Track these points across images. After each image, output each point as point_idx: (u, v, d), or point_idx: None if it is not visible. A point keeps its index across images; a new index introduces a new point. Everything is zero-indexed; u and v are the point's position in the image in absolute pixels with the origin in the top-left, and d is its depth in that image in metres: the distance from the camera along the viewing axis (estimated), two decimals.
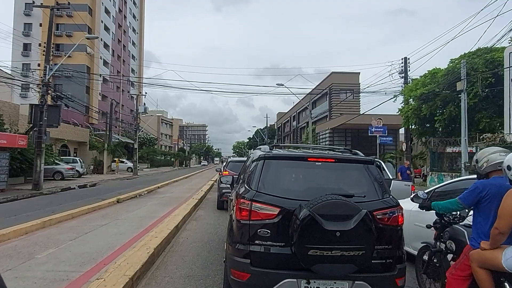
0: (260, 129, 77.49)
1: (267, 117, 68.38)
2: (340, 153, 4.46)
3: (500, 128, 16.61)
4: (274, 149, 4.51)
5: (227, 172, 12.03)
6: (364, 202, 3.48)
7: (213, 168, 44.21)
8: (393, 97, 20.46)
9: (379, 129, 19.70)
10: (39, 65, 37.96)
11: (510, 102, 14.23)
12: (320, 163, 3.85)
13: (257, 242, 3.44)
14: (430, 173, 18.77)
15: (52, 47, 36.40)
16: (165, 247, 6.35)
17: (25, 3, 44.36)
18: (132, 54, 66.81)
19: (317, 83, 42.91)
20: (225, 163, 15.93)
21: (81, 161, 28.83)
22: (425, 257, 4.26)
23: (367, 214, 3.20)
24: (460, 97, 15.61)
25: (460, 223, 3.80)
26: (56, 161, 24.40)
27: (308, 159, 3.89)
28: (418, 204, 4.32)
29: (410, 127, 20.20)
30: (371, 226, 3.18)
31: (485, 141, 15.78)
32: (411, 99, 19.17)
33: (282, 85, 26.78)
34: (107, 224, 8.45)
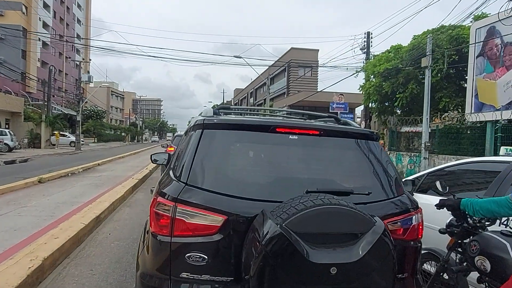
0: (216, 105, 75.13)
1: (223, 92, 66.22)
2: (323, 122, 2.94)
3: (459, 108, 16.33)
4: (220, 113, 2.86)
5: (173, 149, 10.42)
6: (370, 204, 2.13)
7: (156, 148, 41.76)
8: (355, 73, 19.62)
9: (340, 106, 18.89)
10: None
11: (473, 80, 13.75)
12: (296, 137, 2.35)
13: (183, 275, 2.01)
14: (388, 152, 18.39)
15: None
16: (70, 251, 4.71)
17: None
18: (77, 18, 60.62)
19: (275, 60, 41.53)
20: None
21: (12, 133, 25.41)
22: (427, 267, 3.04)
23: (386, 232, 1.84)
24: (424, 74, 15.00)
25: (489, 229, 2.50)
26: None
27: (277, 130, 2.34)
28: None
29: (370, 105, 19.56)
30: (390, 251, 1.84)
31: (445, 120, 15.39)
32: (372, 76, 18.41)
33: (240, 56, 25.03)
34: (6, 215, 6.55)
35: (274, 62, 36.96)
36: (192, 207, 2.00)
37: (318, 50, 39.19)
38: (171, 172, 2.36)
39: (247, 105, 60.65)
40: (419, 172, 15.31)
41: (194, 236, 2.00)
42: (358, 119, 34.14)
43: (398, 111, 19.62)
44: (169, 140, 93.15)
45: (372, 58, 19.46)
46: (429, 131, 14.71)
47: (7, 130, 25.53)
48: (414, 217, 2.26)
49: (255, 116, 3.33)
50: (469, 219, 2.48)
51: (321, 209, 1.80)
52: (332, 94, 21.42)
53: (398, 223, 2.20)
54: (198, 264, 1.98)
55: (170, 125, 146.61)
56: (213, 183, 2.11)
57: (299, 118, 3.43)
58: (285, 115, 3.78)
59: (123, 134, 67.68)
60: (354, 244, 1.80)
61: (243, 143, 2.38)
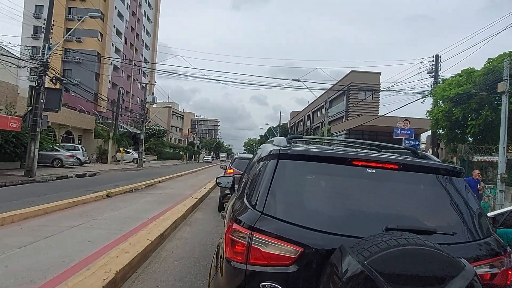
0: (272, 127, 75.76)
1: (280, 114, 66.79)
2: (399, 155, 2.76)
3: None
4: (294, 142, 2.89)
5: (232, 171, 10.47)
6: (454, 246, 1.97)
7: (217, 166, 42.42)
8: (422, 98, 18.55)
9: (405, 132, 17.85)
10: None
11: None
12: (373, 170, 2.26)
13: None
14: None
15: (63, 31, 35.43)
16: (138, 266, 4.77)
17: None
18: (145, 43, 65.73)
19: (334, 83, 41.10)
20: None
21: (84, 148, 27.62)
22: None
23: (477, 277, 1.70)
24: (500, 100, 13.77)
25: None
26: (55, 148, 23.17)
27: (353, 162, 2.27)
28: None
29: (438, 131, 18.29)
30: None
31: None
32: (441, 101, 17.27)
33: (299, 80, 25.05)
34: (80, 226, 6.93)
35: (332, 85, 36.54)
36: (269, 237, 2.01)
37: (380, 73, 38.14)
38: (245, 199, 2.39)
39: (303, 128, 60.40)
40: (493, 205, 13.79)
41: (269, 265, 2.00)
42: (423, 145, 32.21)
43: (470, 139, 18.13)
44: (222, 160, 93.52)
45: (441, 82, 18.32)
46: (506, 161, 13.35)
47: (79, 146, 27.79)
48: (503, 261, 2.05)
49: (329, 147, 3.21)
50: None
51: (406, 249, 1.73)
52: (395, 119, 20.42)
53: (486, 267, 2.03)
54: None
55: (226, 145, 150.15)
56: (289, 214, 2.11)
57: (369, 148, 3.25)
58: (357, 146, 3.61)
59: (181, 152, 70.59)
60: None
61: (318, 174, 2.36)
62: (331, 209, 2.23)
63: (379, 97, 35.70)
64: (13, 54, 23.18)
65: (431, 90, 18.96)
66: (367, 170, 2.27)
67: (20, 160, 19.34)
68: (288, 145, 2.62)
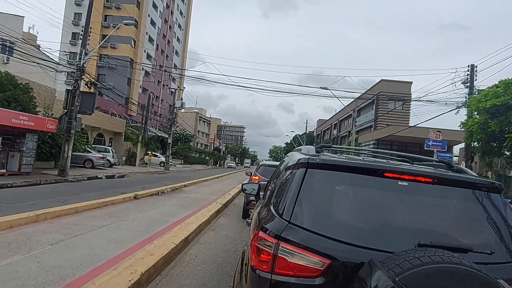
0: (298, 135, 75.35)
1: (306, 122, 66.10)
2: (433, 168, 2.65)
3: None
4: (322, 151, 2.84)
5: (257, 177, 10.45)
6: (492, 266, 1.87)
7: (242, 172, 42.27)
8: (455, 109, 17.86)
9: (438, 144, 17.19)
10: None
11: None
12: (405, 183, 2.18)
13: None
14: None
15: (99, 37, 36.93)
16: (162, 268, 4.82)
17: None
18: (176, 50, 67.39)
19: (363, 92, 40.41)
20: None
21: (113, 151, 28.50)
22: None
23: None
24: None
25: None
26: (87, 149, 24.04)
27: (385, 174, 2.20)
28: None
29: (472, 144, 17.53)
30: None
31: None
32: (476, 112, 16.57)
33: (326, 88, 24.83)
34: (108, 226, 7.11)
35: (361, 94, 35.94)
36: (295, 247, 1.97)
37: (411, 83, 37.11)
38: (272, 208, 2.36)
39: (330, 137, 59.70)
40: None
41: (295, 276, 1.95)
42: (456, 158, 30.93)
43: (507, 153, 17.24)
44: (246, 166, 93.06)
45: (477, 93, 17.58)
46: None
47: (110, 148, 28.70)
48: None
49: (359, 158, 3.12)
50: None
51: (440, 268, 1.64)
52: (427, 130, 19.74)
53: None
54: None
55: (251, 152, 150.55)
56: (317, 224, 2.07)
57: (401, 160, 3.15)
58: (388, 157, 3.50)
59: (206, 158, 71.48)
60: None
61: (348, 185, 2.30)
62: (360, 221, 2.16)
63: (410, 107, 34.72)
64: (52, 59, 24.36)
65: (466, 101, 18.25)
66: (399, 182, 2.19)
67: (54, 160, 20.19)
68: (317, 154, 2.57)
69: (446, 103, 18.83)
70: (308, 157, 2.36)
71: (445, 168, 2.77)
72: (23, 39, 23.21)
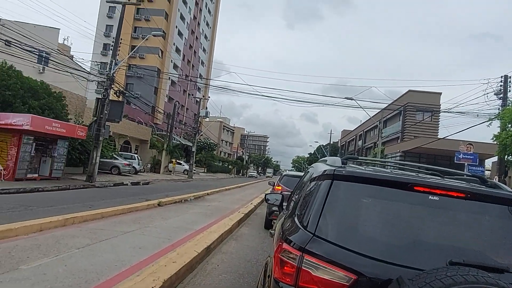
0: (322, 145, 74.62)
1: (330, 133, 65.41)
2: (465, 183, 2.54)
3: None
4: (348, 163, 2.77)
5: (280, 188, 10.37)
6: None
7: (264, 182, 41.90)
8: (488, 121, 17.15)
9: (469, 157, 16.52)
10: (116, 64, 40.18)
11: None
12: (436, 198, 2.09)
13: None
14: None
15: (129, 48, 38.23)
16: (184, 276, 4.82)
17: (109, 7, 47.67)
18: (201, 60, 68.73)
19: (388, 103, 39.68)
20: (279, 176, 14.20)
21: (139, 158, 29.17)
22: None
23: None
24: None
25: None
26: (114, 156, 24.72)
27: (415, 188, 2.11)
28: None
29: (506, 157, 16.75)
30: None
31: None
32: (510, 125, 15.85)
33: (352, 98, 24.52)
34: (133, 232, 7.22)
35: (388, 104, 35.27)
36: (320, 260, 1.91)
37: (440, 94, 36.09)
38: (296, 219, 2.32)
39: (354, 148, 58.79)
40: None
41: None
42: (488, 172, 29.60)
43: None
44: (268, 176, 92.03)
45: (510, 104, 16.87)
46: None
47: (136, 155, 29.41)
48: None
49: (387, 170, 3.02)
50: None
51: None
52: (457, 143, 19.04)
53: None
54: None
55: (274, 161, 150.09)
56: (342, 238, 2.01)
57: (431, 173, 3.01)
58: (417, 170, 3.38)
59: (229, 166, 71.89)
60: None
61: (375, 198, 2.21)
62: (388, 236, 2.08)
63: (439, 119, 33.75)
64: (84, 69, 25.41)
65: (499, 112, 17.52)
66: (430, 197, 2.11)
67: (83, 166, 20.89)
68: (343, 165, 2.51)
69: (477, 115, 18.15)
70: (334, 168, 2.31)
71: (478, 182, 2.64)
72: (57, 50, 24.36)
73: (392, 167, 4.09)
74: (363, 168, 2.76)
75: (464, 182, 2.56)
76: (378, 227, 2.13)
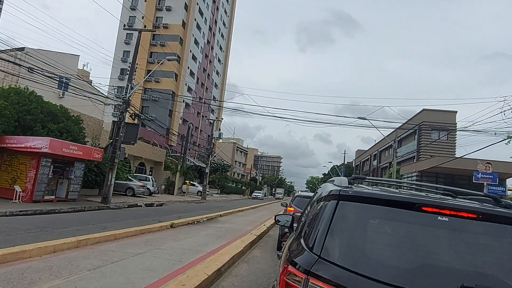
0: (336, 165, 73.88)
1: (344, 153, 64.87)
2: (478, 203, 2.45)
3: None
4: (355, 183, 2.74)
5: (293, 209, 10.27)
6: None
7: (274, 204, 40.96)
8: (506, 139, 16.75)
9: (488, 176, 16.08)
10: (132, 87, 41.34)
11: None
12: (446, 218, 2.02)
13: None
14: None
15: (145, 72, 39.32)
16: None
17: (126, 33, 49.50)
18: (215, 83, 70.02)
19: (403, 122, 39.28)
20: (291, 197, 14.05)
21: (153, 179, 29.42)
22: None
23: None
24: None
25: None
26: (129, 177, 25.02)
27: (423, 208, 2.06)
28: None
29: None
30: None
31: None
32: None
33: (365, 118, 24.42)
34: (144, 254, 7.22)
35: (402, 123, 34.91)
36: (326, 284, 1.85)
37: (456, 112, 35.57)
38: (302, 241, 2.28)
39: (369, 168, 57.96)
40: None
41: None
42: (510, 192, 28.59)
43: None
44: (278, 198, 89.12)
45: None
46: None
47: (150, 177, 29.69)
48: None
49: (396, 190, 2.95)
50: None
51: None
52: (475, 162, 18.59)
53: None
54: None
55: (288, 182, 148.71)
56: (348, 260, 1.95)
57: (443, 194, 2.92)
58: (428, 190, 3.29)
59: (243, 187, 71.65)
60: None
61: (382, 219, 2.16)
62: (396, 259, 2.01)
63: (455, 137, 33.08)
64: (102, 93, 26.18)
65: None
66: (439, 217, 2.04)
67: (98, 188, 21.19)
68: (349, 185, 2.47)
69: (495, 133, 17.75)
70: (340, 188, 2.28)
71: (492, 203, 2.55)
72: (77, 75, 25.25)
73: (401, 188, 4.00)
74: (371, 188, 2.72)
75: (477, 202, 2.47)
76: (386, 249, 2.06)
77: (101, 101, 23.11)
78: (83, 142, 19.09)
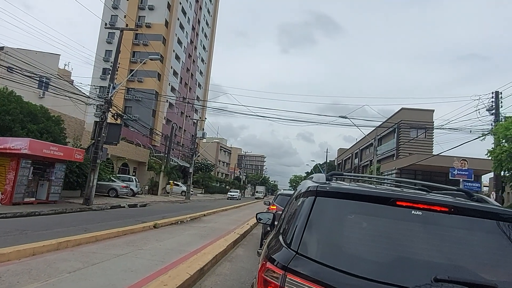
0: (319, 164, 74.63)
1: (327, 151, 65.89)
2: (451, 197, 2.53)
3: None
4: (333, 179, 2.74)
5: (275, 207, 10.40)
6: None
7: (257, 203, 40.85)
8: (481, 136, 17.35)
9: (463, 173, 16.62)
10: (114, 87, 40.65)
11: None
12: (419, 212, 2.08)
13: None
14: None
15: (127, 72, 38.80)
16: None
17: (108, 33, 48.66)
18: (198, 83, 69.66)
19: (383, 120, 40.07)
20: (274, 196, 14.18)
21: (137, 180, 29.12)
22: None
23: None
24: None
25: None
26: (112, 178, 24.70)
27: (397, 203, 2.11)
28: None
29: (502, 173, 16.81)
30: None
31: None
32: (504, 140, 16.00)
33: (346, 117, 24.82)
34: (125, 255, 7.20)
35: (382, 122, 35.61)
36: (303, 279, 1.85)
37: (433, 111, 36.50)
38: (280, 237, 2.27)
39: (351, 166, 58.75)
40: None
41: None
42: (486, 188, 29.55)
43: None
44: (258, 197, 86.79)
45: (503, 120, 17.07)
46: None
47: (133, 177, 29.38)
48: None
49: (372, 186, 3.03)
50: None
51: None
52: (451, 159, 19.16)
53: None
54: None
55: (272, 181, 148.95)
56: (325, 255, 1.95)
57: (418, 189, 3.01)
58: (405, 185, 3.38)
59: (227, 187, 71.58)
60: None
61: (358, 214, 2.18)
62: (372, 253, 2.04)
63: (433, 135, 33.99)
64: (83, 93, 25.74)
65: (492, 128, 17.73)
66: (413, 211, 2.07)
67: (80, 189, 20.84)
68: (327, 182, 2.47)
69: (470, 131, 18.33)
70: (317, 185, 2.29)
71: (464, 197, 2.61)
72: (58, 75, 24.74)
73: (381, 183, 4.09)
74: (348, 184, 2.76)
75: (450, 197, 2.54)
76: (362, 243, 2.09)
77: (83, 101, 22.74)
78: (64, 142, 18.76)
